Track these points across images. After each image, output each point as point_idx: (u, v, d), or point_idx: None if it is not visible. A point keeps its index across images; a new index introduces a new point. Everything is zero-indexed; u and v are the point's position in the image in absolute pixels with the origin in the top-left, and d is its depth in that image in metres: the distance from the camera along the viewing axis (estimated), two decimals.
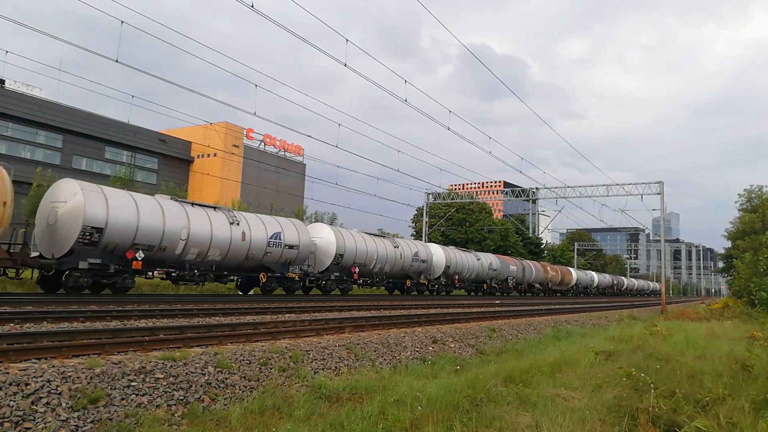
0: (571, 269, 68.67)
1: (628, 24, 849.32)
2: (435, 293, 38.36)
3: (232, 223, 22.77)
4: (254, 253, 23.81)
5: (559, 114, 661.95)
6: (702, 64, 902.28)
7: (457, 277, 40.50)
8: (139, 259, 19.31)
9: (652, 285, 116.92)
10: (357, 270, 29.50)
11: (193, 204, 22.28)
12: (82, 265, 17.85)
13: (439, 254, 38.41)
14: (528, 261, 56.53)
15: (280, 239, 25.13)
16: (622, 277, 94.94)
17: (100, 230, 18.02)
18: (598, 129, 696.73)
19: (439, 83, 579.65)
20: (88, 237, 17.76)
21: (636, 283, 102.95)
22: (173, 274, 21.18)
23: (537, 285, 55.77)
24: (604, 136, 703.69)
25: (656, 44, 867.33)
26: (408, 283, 35.14)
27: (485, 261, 44.66)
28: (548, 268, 58.71)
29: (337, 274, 28.69)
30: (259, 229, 24.29)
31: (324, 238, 28.40)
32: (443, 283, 39.22)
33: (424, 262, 35.92)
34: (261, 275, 24.84)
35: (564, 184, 53.71)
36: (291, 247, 25.71)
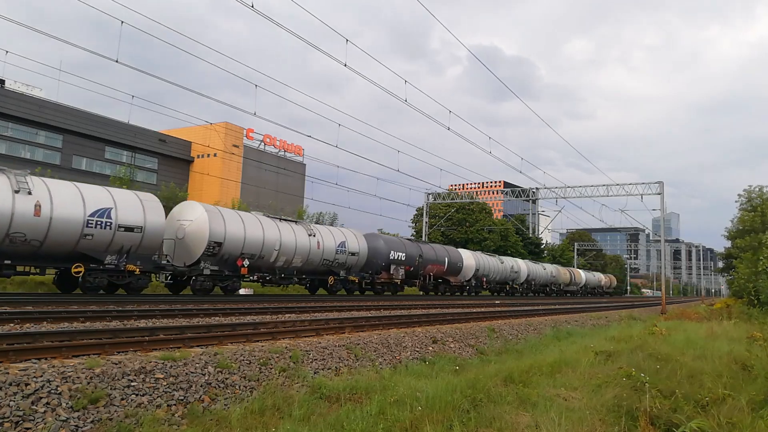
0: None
1: (633, 24, 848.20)
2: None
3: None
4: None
5: (567, 114, 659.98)
6: (706, 65, 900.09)
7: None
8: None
9: (586, 277, 69.09)
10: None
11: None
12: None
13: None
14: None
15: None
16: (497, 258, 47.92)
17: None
18: (605, 129, 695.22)
19: (448, 84, 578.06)
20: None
21: (542, 270, 55.36)
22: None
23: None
24: (610, 136, 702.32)
25: (661, 45, 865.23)
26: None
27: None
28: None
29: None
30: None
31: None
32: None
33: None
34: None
35: (564, 184, 53.74)
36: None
